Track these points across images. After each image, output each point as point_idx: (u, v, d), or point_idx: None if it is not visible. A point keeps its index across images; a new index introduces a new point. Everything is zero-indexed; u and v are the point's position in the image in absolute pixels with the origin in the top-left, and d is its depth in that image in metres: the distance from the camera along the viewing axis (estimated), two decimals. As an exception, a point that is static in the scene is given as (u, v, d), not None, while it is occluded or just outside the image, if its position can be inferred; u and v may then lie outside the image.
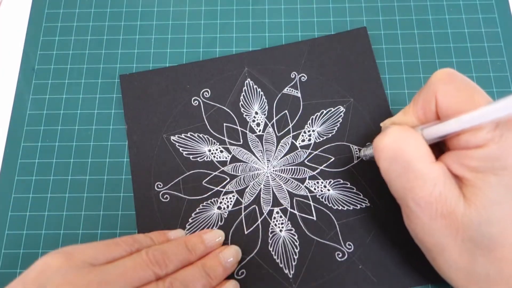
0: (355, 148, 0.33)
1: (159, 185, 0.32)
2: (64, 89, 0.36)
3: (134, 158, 0.33)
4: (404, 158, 0.23)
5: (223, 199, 0.32)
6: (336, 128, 0.33)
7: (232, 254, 0.29)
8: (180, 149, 0.33)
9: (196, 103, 0.34)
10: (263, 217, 0.31)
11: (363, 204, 0.31)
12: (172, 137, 0.34)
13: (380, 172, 0.25)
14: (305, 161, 0.33)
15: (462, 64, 0.36)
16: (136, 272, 0.25)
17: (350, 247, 0.30)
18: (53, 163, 0.34)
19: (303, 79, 0.35)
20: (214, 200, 0.32)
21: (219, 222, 0.31)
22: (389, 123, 0.28)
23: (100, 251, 0.26)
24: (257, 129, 0.34)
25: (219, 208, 0.32)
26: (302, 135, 0.33)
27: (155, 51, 0.37)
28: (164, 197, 0.32)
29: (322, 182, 0.32)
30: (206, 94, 0.35)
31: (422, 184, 0.23)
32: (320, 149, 0.33)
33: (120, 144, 0.34)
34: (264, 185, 0.32)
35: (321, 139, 0.33)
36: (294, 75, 0.35)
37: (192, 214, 0.32)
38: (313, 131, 0.33)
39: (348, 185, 0.32)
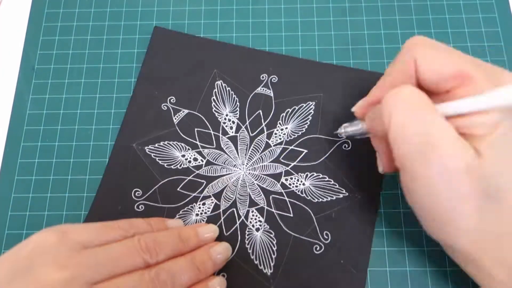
0: (327, 140, 0.33)
1: (137, 193, 0.32)
2: (64, 88, 0.36)
3: (111, 169, 0.33)
4: (425, 111, 0.23)
5: (201, 204, 0.32)
6: (308, 122, 0.33)
7: (222, 249, 0.29)
8: (153, 155, 0.33)
9: (165, 108, 0.34)
10: (241, 219, 0.31)
11: (340, 194, 0.31)
12: (145, 146, 0.33)
13: (390, 131, 0.23)
14: (280, 158, 0.33)
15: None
16: (126, 257, 0.25)
17: (327, 238, 0.30)
18: (53, 163, 0.34)
19: (273, 80, 0.35)
20: (191, 206, 0.32)
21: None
22: (364, 103, 0.28)
23: (95, 233, 0.26)
24: (230, 131, 0.34)
25: (197, 214, 0.32)
26: (275, 133, 0.33)
27: (155, 51, 0.37)
28: (141, 207, 0.32)
29: (296, 176, 0.32)
30: (172, 100, 0.34)
31: (444, 138, 0.22)
32: (293, 144, 0.33)
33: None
34: (240, 186, 0.32)
35: (294, 136, 0.33)
36: (264, 77, 0.35)
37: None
38: (286, 128, 0.33)
39: (324, 177, 0.32)
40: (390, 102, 0.24)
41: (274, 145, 0.33)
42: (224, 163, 0.33)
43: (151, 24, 0.38)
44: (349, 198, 0.31)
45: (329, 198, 0.31)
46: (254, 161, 0.33)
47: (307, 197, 0.31)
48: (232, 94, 0.34)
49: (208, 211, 0.32)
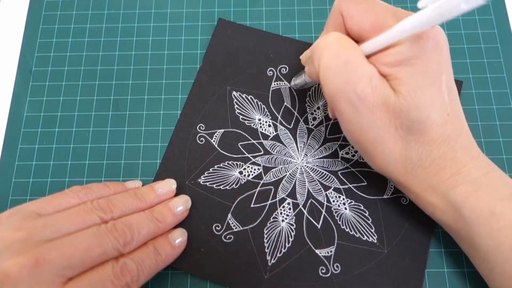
0: (391, 185, 0.32)
1: (201, 127, 0.34)
2: (62, 91, 0.36)
3: (193, 93, 0.34)
4: (347, 54, 0.25)
5: (248, 167, 0.33)
6: None
7: (181, 202, 0.30)
8: (235, 106, 0.34)
9: (270, 73, 0.35)
10: (274, 201, 0.32)
11: (370, 238, 0.31)
12: (234, 92, 0.35)
13: (320, 73, 0.26)
14: (339, 172, 0.32)
15: (459, 65, 0.36)
16: (80, 216, 0.26)
17: (337, 269, 0.30)
18: (50, 165, 0.34)
19: (283, 71, 0.35)
20: (239, 164, 0.33)
21: (234, 185, 0.32)
22: (308, 52, 0.30)
23: (46, 201, 0.27)
24: (311, 122, 0.34)
25: (240, 173, 0.32)
26: (349, 148, 0.33)
27: (152, 53, 0.37)
28: (200, 139, 0.33)
29: (343, 199, 0.32)
30: (283, 70, 0.35)
31: (362, 77, 0.24)
32: (358, 169, 0.33)
33: (117, 146, 0.34)
34: (290, 174, 0.33)
35: (364, 160, 0.32)
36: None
37: (215, 166, 0.32)
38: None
39: (366, 214, 0.31)
40: (318, 47, 0.26)
41: (341, 158, 0.33)
42: (288, 146, 0.33)
43: (149, 26, 0.38)
44: (376, 247, 0.30)
45: (358, 235, 0.31)
46: (314, 160, 0.33)
47: (339, 221, 0.31)
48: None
49: (251, 175, 0.32)
